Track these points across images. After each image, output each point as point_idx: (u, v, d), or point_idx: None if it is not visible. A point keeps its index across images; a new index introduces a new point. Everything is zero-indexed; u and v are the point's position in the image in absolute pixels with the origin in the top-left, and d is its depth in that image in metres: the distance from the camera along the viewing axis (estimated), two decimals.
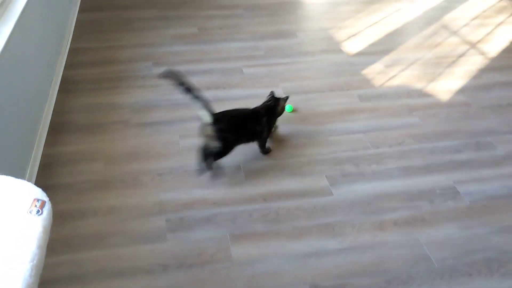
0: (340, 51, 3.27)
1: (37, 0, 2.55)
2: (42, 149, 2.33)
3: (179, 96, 2.73)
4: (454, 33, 3.54)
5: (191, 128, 2.47)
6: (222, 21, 3.67)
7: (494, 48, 3.33)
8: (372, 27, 3.61)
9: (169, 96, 2.73)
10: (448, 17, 3.79)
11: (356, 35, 3.49)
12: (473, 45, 3.36)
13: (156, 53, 3.19)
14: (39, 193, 1.04)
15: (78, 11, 3.77)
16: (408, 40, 3.43)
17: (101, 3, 3.93)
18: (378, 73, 3.01)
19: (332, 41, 3.40)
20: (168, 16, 3.72)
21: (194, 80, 2.87)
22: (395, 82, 2.92)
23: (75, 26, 3.53)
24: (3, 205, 1.00)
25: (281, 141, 2.42)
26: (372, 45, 3.36)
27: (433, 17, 3.79)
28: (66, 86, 2.81)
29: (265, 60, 3.15)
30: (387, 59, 3.18)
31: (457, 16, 3.81)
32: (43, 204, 1.00)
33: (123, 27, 3.54)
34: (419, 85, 2.89)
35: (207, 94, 2.74)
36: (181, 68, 3.01)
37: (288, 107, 2.60)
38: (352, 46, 3.33)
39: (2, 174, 1.11)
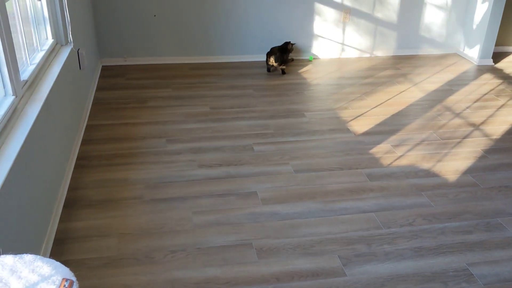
0: (347, 130, 3.37)
1: (61, 81, 2.70)
2: (57, 224, 2.35)
3: (193, 172, 2.81)
4: (457, 115, 3.66)
5: (205, 205, 2.51)
6: (233, 100, 3.82)
7: (497, 130, 3.44)
8: (377, 108, 3.74)
9: (183, 173, 2.80)
10: (451, 99, 3.94)
11: (362, 116, 3.61)
12: (476, 127, 3.47)
13: (169, 130, 3.30)
14: (67, 273, 1.06)
15: (96, 90, 3.94)
16: (413, 121, 3.54)
17: (118, 82, 4.12)
18: (385, 153, 3.09)
19: (339, 120, 3.52)
20: (181, 96, 3.88)
21: (207, 157, 2.97)
22: (403, 161, 2.99)
23: (92, 104, 3.68)
24: (33, 284, 1.02)
25: (292, 218, 2.44)
26: (379, 125, 3.47)
27: (436, 99, 3.94)
28: (81, 162, 2.89)
29: (274, 138, 3.24)
30: (393, 139, 3.27)
31: (459, 99, 3.96)
32: (71, 284, 1.03)
33: (138, 105, 3.68)
34: (426, 165, 2.96)
35: (219, 171, 2.82)
36: (194, 145, 3.11)
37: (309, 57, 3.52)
38: (358, 126, 3.44)
39: (21, 251, 1.14)
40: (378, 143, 3.22)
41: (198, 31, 4.55)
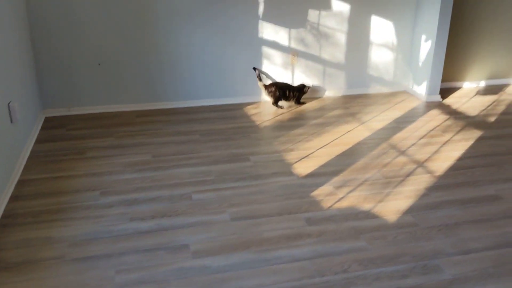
0: (290, 173, 3.30)
1: None
2: None
3: (123, 226, 2.67)
4: (402, 152, 3.64)
5: (130, 262, 2.37)
6: (177, 147, 3.73)
7: (440, 166, 3.41)
8: (323, 149, 3.69)
9: (112, 227, 2.65)
10: (397, 137, 3.93)
11: (308, 157, 3.55)
12: (420, 164, 3.44)
13: (105, 182, 3.17)
14: None
15: (35, 142, 3.81)
16: (357, 160, 3.50)
17: (58, 134, 3.99)
18: (327, 195, 3.01)
19: (284, 163, 3.45)
20: (123, 145, 3.77)
21: (140, 209, 2.84)
22: (344, 203, 2.92)
23: (28, 158, 3.53)
24: None
25: (223, 271, 2.31)
26: (323, 166, 3.41)
27: (382, 137, 3.93)
28: (5, 221, 2.72)
29: (215, 185, 3.14)
30: (336, 180, 3.21)
31: (405, 136, 3.95)
32: None
33: (77, 157, 3.55)
34: (367, 206, 2.89)
35: (151, 224, 2.68)
36: (128, 197, 2.98)
37: None
38: (303, 168, 3.37)
39: None
40: (321, 185, 3.14)
41: (144, 77, 4.50)
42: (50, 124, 4.21)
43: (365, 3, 4.77)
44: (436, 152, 3.65)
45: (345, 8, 4.73)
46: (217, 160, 3.50)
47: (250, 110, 4.59)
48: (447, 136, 3.94)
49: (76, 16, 4.16)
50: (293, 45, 4.76)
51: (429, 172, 3.33)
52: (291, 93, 4.64)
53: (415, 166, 3.41)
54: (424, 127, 4.14)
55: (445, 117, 4.40)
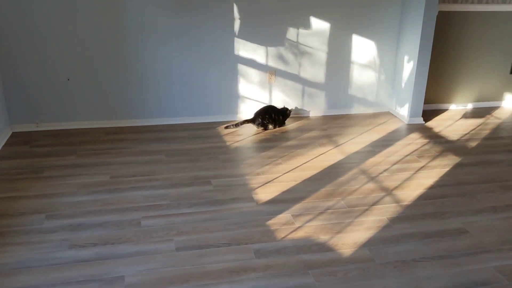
0: (250, 199, 3.15)
1: None
2: None
3: (60, 254, 2.52)
4: (372, 179, 3.48)
5: None
6: (139, 167, 3.60)
7: (409, 195, 3.25)
8: (290, 173, 3.54)
9: (48, 255, 2.51)
10: (370, 162, 3.77)
11: (272, 182, 3.40)
12: (389, 192, 3.28)
13: (55, 204, 3.04)
14: None
15: None
16: (323, 186, 3.34)
17: (20, 151, 3.88)
18: (283, 224, 2.85)
19: (246, 188, 3.30)
20: (84, 164, 3.64)
21: (83, 235, 2.69)
22: (299, 234, 2.76)
23: None
24: None
25: None
26: (286, 192, 3.25)
27: (355, 161, 3.77)
28: None
29: (168, 210, 3.00)
30: (297, 207, 3.05)
31: (379, 161, 3.79)
32: None
33: (33, 176, 3.43)
34: (323, 237, 2.72)
35: (91, 252, 2.53)
36: (75, 221, 2.84)
37: None
38: (264, 194, 3.22)
39: None
40: (279, 212, 2.99)
41: (114, 94, 4.39)
42: (15, 140, 4.10)
43: (346, 22, 4.65)
44: (408, 179, 3.48)
45: (325, 26, 4.61)
46: (177, 183, 3.35)
47: (224, 130, 4.45)
48: (422, 162, 3.77)
49: (44, 31, 4.06)
50: (271, 63, 4.63)
51: (397, 201, 3.16)
52: (276, 116, 4.51)
53: (383, 194, 3.25)
54: (400, 152, 3.98)
55: (424, 141, 4.24)
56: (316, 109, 4.91)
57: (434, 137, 4.33)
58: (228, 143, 4.12)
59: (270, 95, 4.74)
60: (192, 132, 4.38)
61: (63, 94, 4.29)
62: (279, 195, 3.21)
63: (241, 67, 4.57)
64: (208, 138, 4.23)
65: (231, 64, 4.54)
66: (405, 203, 3.14)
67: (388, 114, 5.00)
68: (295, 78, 4.74)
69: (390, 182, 3.42)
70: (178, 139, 4.20)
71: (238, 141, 4.18)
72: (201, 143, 4.11)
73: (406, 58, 4.70)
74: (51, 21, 4.06)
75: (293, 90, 4.78)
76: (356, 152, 3.96)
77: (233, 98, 4.66)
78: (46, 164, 3.63)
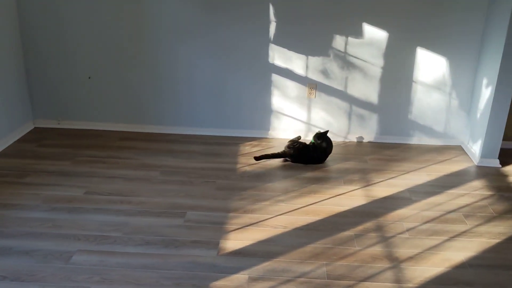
0: (215, 246, 2.56)
1: None
2: None
3: None
4: (385, 240, 2.67)
5: None
6: (121, 185, 3.21)
7: (423, 273, 2.39)
8: (283, 216, 2.88)
9: None
10: (395, 214, 2.94)
11: (255, 225, 2.77)
12: (396, 264, 2.46)
13: (4, 217, 2.77)
14: None
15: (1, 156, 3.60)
16: (314, 241, 2.62)
17: (27, 149, 3.74)
18: None
19: (219, 229, 2.72)
20: (71, 173, 3.36)
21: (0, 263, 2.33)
22: None
23: None
24: None
25: None
26: (262, 242, 2.61)
27: (376, 211, 2.96)
28: None
29: (112, 246, 2.55)
30: (261, 268, 2.40)
31: (408, 214, 2.94)
32: None
33: (11, 180, 3.23)
34: None
35: None
36: (7, 243, 2.53)
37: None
38: (235, 241, 2.61)
39: None
40: (236, 271, 2.37)
41: (135, 96, 4.06)
42: (30, 136, 3.99)
43: (410, 31, 3.77)
44: (434, 247, 2.61)
45: (382, 36, 3.78)
46: (147, 211, 2.90)
47: (246, 148, 3.89)
48: (467, 224, 2.84)
49: (70, 29, 3.87)
50: (312, 75, 3.94)
51: (399, 280, 2.34)
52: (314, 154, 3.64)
53: (386, 266, 2.44)
54: (445, 205, 3.06)
55: (487, 193, 3.24)
56: (366, 133, 4.10)
57: (504, 189, 3.30)
58: (238, 166, 3.56)
59: (309, 113, 4.05)
60: (209, 147, 3.89)
61: (84, 93, 4.08)
62: (251, 245, 2.59)
63: (276, 78, 3.96)
64: (221, 157, 3.71)
65: (265, 74, 3.94)
66: (410, 285, 2.31)
67: (459, 149, 4.00)
68: (341, 95, 3.98)
69: (407, 248, 2.59)
70: (187, 153, 3.74)
71: (252, 164, 3.59)
72: (209, 162, 3.60)
73: (484, 81, 3.67)
74: (77, 19, 3.84)
75: (337, 109, 4.03)
76: (385, 198, 3.14)
77: (266, 112, 4.06)
78: (36, 168, 3.42)
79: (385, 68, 3.89)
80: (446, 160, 3.78)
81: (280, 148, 3.78)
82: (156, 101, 4.06)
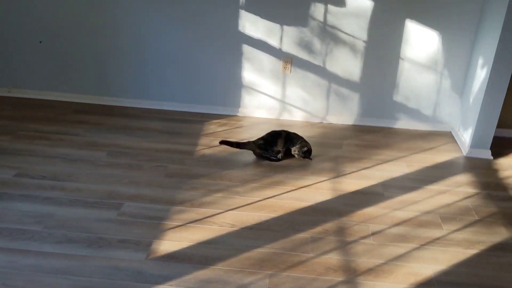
0: (146, 247, 2.22)
1: None
2: None
3: None
4: (345, 246, 2.31)
5: None
6: (60, 166, 2.86)
7: None
8: (236, 211, 2.52)
9: None
10: (362, 214, 2.57)
11: (199, 222, 2.43)
12: (350, 278, 2.11)
13: None
14: None
15: None
16: (262, 245, 2.28)
17: None
18: None
19: (155, 226, 2.37)
20: (7, 149, 3.01)
21: None
22: None
23: None
24: None
25: None
26: (202, 244, 2.26)
27: (341, 208, 2.60)
28: None
29: (28, 243, 2.21)
30: (193, 278, 2.06)
31: (377, 214, 2.57)
32: None
33: None
34: None
35: None
36: None
37: None
38: (171, 243, 2.27)
39: None
40: (164, 281, 2.03)
41: (96, 65, 3.66)
42: None
43: (399, 1, 3.31)
44: (400, 258, 2.25)
45: (367, 5, 3.33)
46: (79, 200, 2.55)
47: (211, 127, 3.51)
48: (444, 230, 2.47)
49: None
50: (287, 48, 3.51)
51: None
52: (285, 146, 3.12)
53: (337, 280, 2.10)
54: (420, 204, 2.69)
55: (473, 191, 2.86)
56: (345, 115, 3.70)
57: (493, 187, 2.92)
58: (198, 148, 3.19)
59: (284, 89, 3.64)
60: (170, 124, 3.51)
61: (37, 59, 3.68)
62: (188, 248, 2.24)
63: (248, 50, 3.53)
64: (181, 136, 3.33)
65: (236, 45, 3.52)
66: None
67: (448, 136, 3.60)
68: (320, 71, 3.56)
69: (368, 257, 2.24)
70: (144, 131, 3.37)
71: (213, 147, 3.22)
72: (166, 142, 3.23)
73: (480, 60, 3.24)
74: None
75: (315, 87, 3.62)
76: (354, 193, 2.77)
77: (236, 87, 3.66)
78: None
79: (369, 43, 3.45)
80: (431, 148, 3.39)
81: (249, 133, 3.40)
82: (117, 71, 3.66)
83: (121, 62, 3.62)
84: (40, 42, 3.61)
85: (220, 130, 3.47)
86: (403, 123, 3.68)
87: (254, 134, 3.29)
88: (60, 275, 2.03)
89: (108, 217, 2.42)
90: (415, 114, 3.64)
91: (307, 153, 3.07)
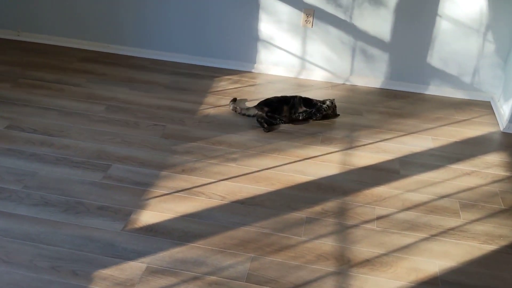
0: (124, 216, 2.06)
1: None
2: None
3: None
4: (345, 230, 2.07)
5: None
6: (54, 119, 2.71)
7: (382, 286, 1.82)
8: (229, 182, 2.31)
9: None
10: (371, 194, 2.30)
11: (187, 192, 2.24)
12: (344, 270, 1.88)
13: None
14: None
15: None
16: (251, 223, 2.06)
17: None
18: (117, 283, 1.76)
19: (140, 193, 2.20)
20: (6, 98, 2.88)
21: None
22: None
23: None
24: None
25: None
26: (187, 217, 2.08)
27: (348, 186, 2.33)
28: None
29: (3, 203, 2.10)
30: (168, 256, 1.89)
31: (388, 195, 2.29)
32: None
33: None
34: None
35: None
36: None
37: None
38: (153, 213, 2.10)
39: None
40: (136, 257, 1.87)
41: (105, 10, 3.42)
42: None
43: None
44: (404, 249, 1.99)
45: None
46: (66, 159, 2.40)
47: (221, 83, 3.25)
48: (460, 219, 2.18)
49: None
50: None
51: None
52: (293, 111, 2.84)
53: (328, 270, 1.87)
54: (439, 186, 2.38)
55: (504, 174, 2.51)
56: (371, 77, 3.34)
57: None
58: (202, 107, 2.95)
59: (304, 45, 3.30)
60: (177, 78, 3.28)
61: (45, 2, 3.48)
62: (170, 220, 2.06)
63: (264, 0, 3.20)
64: (186, 92, 3.10)
65: None
66: None
67: (486, 106, 3.20)
68: (345, 26, 3.19)
69: (367, 246, 1.99)
70: (149, 85, 3.16)
71: (218, 106, 2.98)
72: (169, 98, 3.01)
73: None
74: None
75: (339, 44, 3.26)
76: (366, 168, 2.49)
77: (252, 40, 3.35)
78: None
79: None
80: (464, 120, 3.02)
81: (262, 93, 3.13)
82: (128, 18, 3.42)
83: (133, 9, 3.37)
84: None
85: (231, 88, 3.21)
86: (435, 89, 3.29)
87: (267, 94, 3.01)
88: (28, 241, 1.91)
89: (93, 180, 2.26)
90: (450, 79, 3.25)
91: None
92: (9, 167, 2.31)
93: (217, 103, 3.01)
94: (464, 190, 2.37)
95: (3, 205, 2.08)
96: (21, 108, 2.80)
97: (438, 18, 3.06)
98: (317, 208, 2.18)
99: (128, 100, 2.97)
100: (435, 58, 3.19)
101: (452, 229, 2.12)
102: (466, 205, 2.26)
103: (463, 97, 3.27)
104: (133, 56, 3.52)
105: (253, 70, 3.44)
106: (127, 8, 3.37)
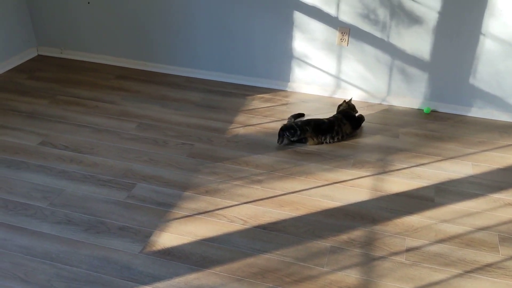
0: (143, 238, 2.03)
1: None
2: None
3: None
4: (370, 262, 1.95)
5: None
6: (85, 137, 2.75)
7: None
8: (251, 205, 2.25)
9: None
10: (402, 223, 2.17)
11: (208, 214, 2.19)
12: None
13: None
14: None
15: None
16: (272, 250, 1.99)
17: (19, 82, 3.39)
18: None
19: (160, 214, 2.17)
20: (42, 114, 2.96)
21: None
22: None
23: None
24: None
25: None
26: (204, 242, 2.03)
27: (378, 214, 2.22)
28: None
29: (26, 220, 2.12)
30: (180, 282, 1.85)
31: (423, 225, 2.15)
32: None
33: None
34: None
35: None
36: None
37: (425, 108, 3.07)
38: (172, 235, 2.06)
39: None
40: (151, 282, 1.83)
41: (141, 28, 3.48)
42: (29, 65, 3.62)
43: None
44: (435, 285, 1.85)
45: None
46: (94, 177, 2.41)
47: (253, 102, 3.21)
48: (499, 255, 2.01)
49: None
50: (345, 17, 3.06)
51: None
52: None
53: None
54: (478, 217, 2.22)
55: None
56: (409, 97, 3.21)
57: None
58: (232, 126, 2.92)
59: (339, 64, 3.22)
60: (209, 96, 3.26)
61: (85, 21, 3.58)
62: (189, 244, 2.02)
63: (300, 17, 3.13)
64: (217, 111, 3.08)
65: (286, 11, 3.14)
66: None
67: None
68: (382, 45, 3.08)
69: (392, 281, 1.87)
70: (181, 103, 3.16)
71: (250, 125, 2.93)
72: (200, 117, 3.00)
73: None
74: None
75: (376, 63, 3.15)
76: (398, 195, 2.36)
77: (285, 58, 3.30)
78: (9, 105, 3.06)
79: (443, 14, 2.89)
80: (509, 145, 2.83)
81: (295, 112, 3.06)
82: (163, 35, 3.45)
83: (168, 27, 3.40)
84: (88, 3, 3.49)
85: (263, 106, 3.16)
86: (478, 111, 3.11)
87: (290, 112, 2.94)
88: (47, 260, 1.91)
89: (117, 199, 2.26)
90: (495, 101, 3.06)
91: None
92: (38, 184, 2.35)
93: (248, 122, 2.97)
94: (504, 223, 2.19)
95: (28, 222, 2.11)
96: (55, 125, 2.86)
97: (481, 37, 2.90)
98: (343, 237, 2.08)
99: (159, 118, 2.98)
100: (478, 79, 3.02)
101: (489, 265, 1.96)
102: (506, 239, 2.10)
103: (509, 120, 3.07)
104: (167, 74, 3.55)
105: (286, 89, 3.38)
106: (161, 26, 3.40)
